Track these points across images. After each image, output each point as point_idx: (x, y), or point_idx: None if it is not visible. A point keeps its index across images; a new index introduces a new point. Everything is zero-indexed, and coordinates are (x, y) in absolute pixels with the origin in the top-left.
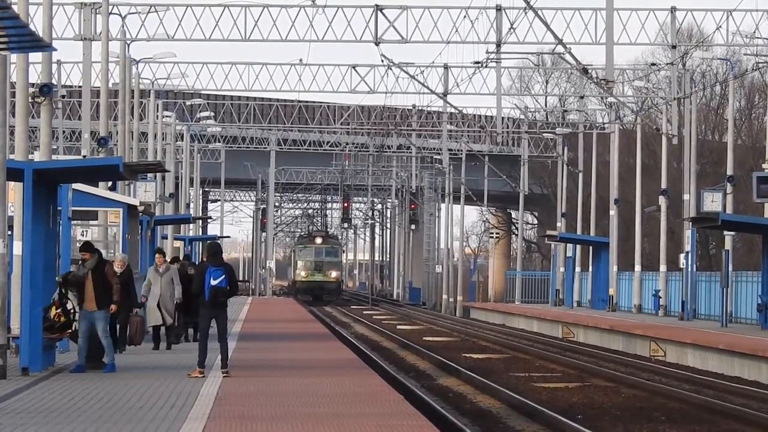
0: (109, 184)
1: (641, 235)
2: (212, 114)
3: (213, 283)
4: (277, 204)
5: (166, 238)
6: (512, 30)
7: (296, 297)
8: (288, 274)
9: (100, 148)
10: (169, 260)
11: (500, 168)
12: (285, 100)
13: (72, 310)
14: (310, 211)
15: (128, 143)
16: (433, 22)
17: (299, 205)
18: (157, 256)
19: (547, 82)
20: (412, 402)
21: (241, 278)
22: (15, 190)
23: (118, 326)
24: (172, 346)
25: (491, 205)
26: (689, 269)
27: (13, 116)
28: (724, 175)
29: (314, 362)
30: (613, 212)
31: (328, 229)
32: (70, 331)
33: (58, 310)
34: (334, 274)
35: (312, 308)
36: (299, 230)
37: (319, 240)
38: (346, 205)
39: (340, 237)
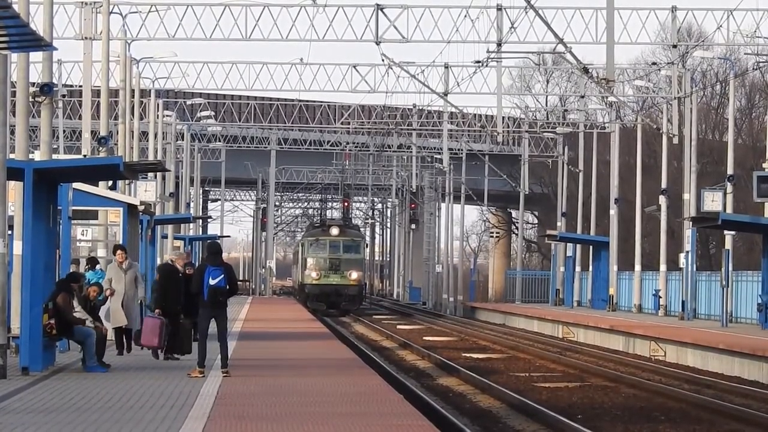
0: (110, 183)
1: (641, 234)
2: (213, 113)
3: (212, 282)
4: (277, 203)
5: (167, 238)
6: (513, 29)
7: (305, 304)
8: (293, 274)
9: (101, 148)
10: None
11: (500, 167)
12: (285, 100)
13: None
14: (310, 210)
15: (129, 142)
16: (433, 22)
17: (299, 204)
18: (118, 252)
19: (547, 82)
20: (412, 402)
21: (241, 278)
22: (15, 190)
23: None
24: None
25: (491, 204)
26: (689, 269)
27: (14, 115)
28: (724, 174)
29: (314, 362)
30: (613, 212)
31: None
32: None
33: (51, 320)
34: (354, 275)
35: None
36: (299, 230)
37: (335, 231)
38: (346, 204)
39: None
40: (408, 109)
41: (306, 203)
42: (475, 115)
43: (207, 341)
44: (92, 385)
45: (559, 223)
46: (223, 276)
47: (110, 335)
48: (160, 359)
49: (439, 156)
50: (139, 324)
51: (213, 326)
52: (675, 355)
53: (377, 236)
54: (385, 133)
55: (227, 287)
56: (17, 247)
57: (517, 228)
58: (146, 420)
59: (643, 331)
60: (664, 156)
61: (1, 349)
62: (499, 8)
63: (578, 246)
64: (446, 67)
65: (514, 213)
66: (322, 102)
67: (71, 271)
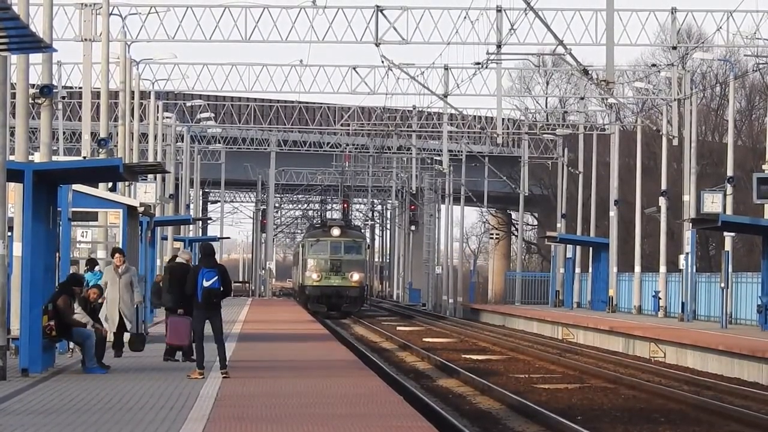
0: (109, 185)
1: (641, 236)
2: (212, 115)
3: (206, 284)
4: (277, 205)
5: (166, 239)
6: (513, 31)
7: (306, 306)
8: (294, 276)
9: (101, 149)
10: (168, 260)
11: (500, 169)
12: (285, 101)
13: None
14: (310, 212)
15: (128, 144)
16: (433, 23)
17: (299, 206)
18: (116, 255)
19: (547, 83)
20: (411, 403)
21: (241, 279)
22: (15, 191)
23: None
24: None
25: (491, 206)
26: (689, 270)
27: (14, 117)
28: (724, 176)
29: (314, 363)
30: (613, 213)
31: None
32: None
33: (51, 322)
34: (356, 276)
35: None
36: (299, 231)
37: (336, 231)
38: (345, 206)
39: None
40: (408, 110)
41: (306, 205)
42: (474, 116)
43: (204, 343)
44: (92, 386)
45: (558, 225)
46: (216, 277)
47: (110, 337)
48: (181, 360)
49: (438, 157)
50: (135, 327)
51: (209, 329)
52: (675, 356)
53: (377, 238)
54: (384, 134)
55: (221, 288)
56: (17, 249)
57: (516, 229)
58: (146, 421)
59: (642, 333)
60: (663, 157)
61: (0, 351)
62: (499, 10)
63: (578, 247)
64: (446, 68)
65: (513, 214)
66: (321, 104)
67: (72, 272)
